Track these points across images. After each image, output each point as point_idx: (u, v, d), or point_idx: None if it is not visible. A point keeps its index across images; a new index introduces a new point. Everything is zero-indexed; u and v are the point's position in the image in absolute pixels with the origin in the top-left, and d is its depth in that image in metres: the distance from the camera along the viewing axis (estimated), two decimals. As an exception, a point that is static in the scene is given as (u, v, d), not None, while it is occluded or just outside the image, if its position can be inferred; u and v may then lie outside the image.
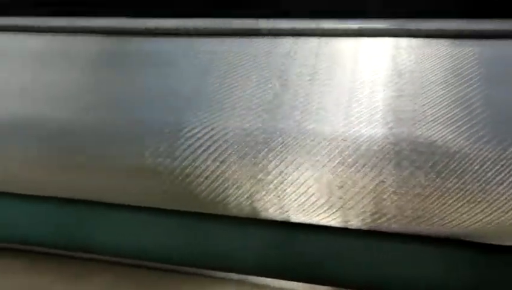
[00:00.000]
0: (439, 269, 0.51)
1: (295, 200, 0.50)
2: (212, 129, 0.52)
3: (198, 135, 0.52)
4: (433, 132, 0.48)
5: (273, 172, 0.50)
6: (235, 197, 0.52)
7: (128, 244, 0.60)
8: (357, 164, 0.48)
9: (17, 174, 0.59)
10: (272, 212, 0.52)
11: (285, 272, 0.57)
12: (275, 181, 0.50)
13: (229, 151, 0.51)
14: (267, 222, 0.55)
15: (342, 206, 0.49)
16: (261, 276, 0.61)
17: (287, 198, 0.50)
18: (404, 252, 0.52)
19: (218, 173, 0.52)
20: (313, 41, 0.59)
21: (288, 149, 0.50)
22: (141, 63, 0.61)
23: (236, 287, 0.66)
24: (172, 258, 0.60)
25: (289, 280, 0.60)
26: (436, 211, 0.47)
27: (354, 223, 0.50)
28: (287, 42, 0.60)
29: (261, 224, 0.56)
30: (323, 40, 0.59)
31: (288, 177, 0.50)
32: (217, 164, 0.51)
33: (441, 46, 0.55)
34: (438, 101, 0.50)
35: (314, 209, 0.51)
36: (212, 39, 0.62)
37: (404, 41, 0.57)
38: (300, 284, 0.62)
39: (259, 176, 0.51)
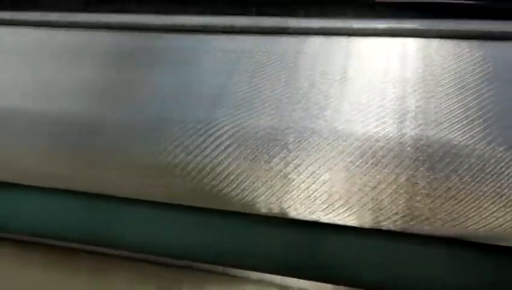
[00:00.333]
0: (461, 272, 0.51)
1: (326, 200, 0.50)
2: (242, 128, 0.52)
3: (229, 133, 0.52)
4: (467, 135, 0.48)
5: (305, 172, 0.50)
6: (264, 196, 0.52)
7: (149, 240, 0.60)
8: (390, 165, 0.48)
9: (38, 167, 0.59)
10: (301, 212, 0.52)
11: (308, 272, 0.57)
12: (306, 181, 0.50)
13: (260, 150, 0.51)
14: (289, 221, 0.55)
15: (373, 208, 0.49)
16: (283, 275, 0.61)
17: (317, 198, 0.50)
18: (428, 254, 0.52)
19: (247, 172, 0.51)
20: (342, 40, 0.59)
21: (319, 149, 0.50)
22: (168, 60, 0.61)
23: (258, 287, 0.66)
24: (192, 255, 0.60)
25: (311, 280, 0.60)
26: (471, 215, 0.46)
27: (385, 224, 0.50)
28: (316, 41, 0.59)
29: (284, 223, 0.56)
30: (353, 39, 0.58)
31: (319, 177, 0.50)
32: (247, 162, 0.51)
33: (473, 48, 0.55)
34: (471, 104, 0.50)
35: (344, 210, 0.50)
36: (239, 37, 0.62)
37: (435, 42, 0.56)
38: (322, 285, 0.62)
39: (290, 175, 0.50)
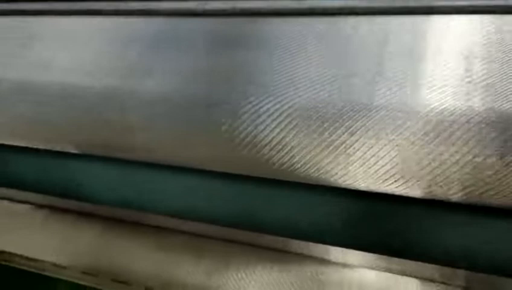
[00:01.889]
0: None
1: (394, 173, 0.52)
2: (313, 106, 0.54)
3: (293, 108, 0.54)
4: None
5: (367, 142, 0.52)
6: (329, 168, 0.54)
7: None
8: (460, 139, 0.49)
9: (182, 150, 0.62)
10: (361, 183, 0.54)
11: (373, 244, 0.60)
12: (368, 152, 0.52)
13: (331, 121, 0.53)
14: (353, 192, 0.57)
15: (442, 181, 0.50)
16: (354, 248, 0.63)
17: (387, 171, 0.52)
18: (497, 228, 0.53)
19: (315, 144, 0.54)
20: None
21: (382, 122, 0.51)
22: (289, 43, 0.60)
23: (352, 272, 0.68)
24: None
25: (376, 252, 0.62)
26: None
27: (455, 197, 0.51)
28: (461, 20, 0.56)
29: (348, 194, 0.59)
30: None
31: (378, 150, 0.51)
32: (314, 135, 0.54)
33: None
34: None
35: (413, 183, 0.52)
36: (381, 18, 0.59)
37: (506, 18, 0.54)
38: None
39: (364, 147, 0.52)
